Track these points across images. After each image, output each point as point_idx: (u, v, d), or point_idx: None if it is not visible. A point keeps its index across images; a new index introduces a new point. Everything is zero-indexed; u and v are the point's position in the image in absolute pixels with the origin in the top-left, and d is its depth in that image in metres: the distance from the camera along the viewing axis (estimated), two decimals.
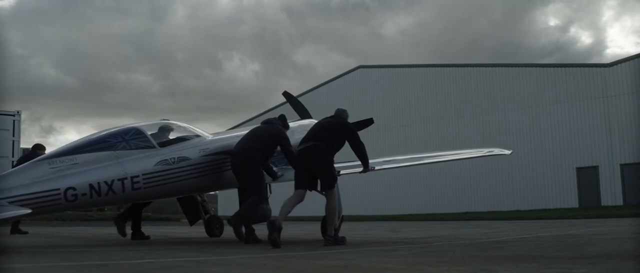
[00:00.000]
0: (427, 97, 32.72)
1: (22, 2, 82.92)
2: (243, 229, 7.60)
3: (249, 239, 7.44)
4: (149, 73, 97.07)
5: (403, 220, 22.47)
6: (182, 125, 8.33)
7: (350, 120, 7.56)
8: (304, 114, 10.66)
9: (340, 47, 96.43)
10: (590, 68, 27.51)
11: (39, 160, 6.96)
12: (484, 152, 10.98)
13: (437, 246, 6.87)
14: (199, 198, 9.71)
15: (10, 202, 6.19)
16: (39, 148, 11.63)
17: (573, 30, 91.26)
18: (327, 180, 6.90)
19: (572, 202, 26.52)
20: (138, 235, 9.22)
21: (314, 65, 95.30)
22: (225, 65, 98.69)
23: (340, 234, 7.12)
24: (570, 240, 7.62)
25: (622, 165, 25.68)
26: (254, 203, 7.26)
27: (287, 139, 7.80)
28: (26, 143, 21.41)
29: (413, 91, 33.35)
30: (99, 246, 7.74)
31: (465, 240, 8.07)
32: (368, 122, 9.54)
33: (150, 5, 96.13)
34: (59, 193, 6.56)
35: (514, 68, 30.17)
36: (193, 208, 9.77)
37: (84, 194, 6.73)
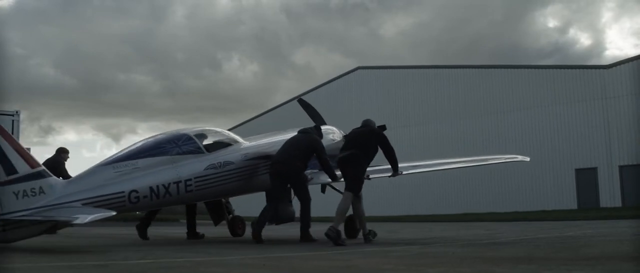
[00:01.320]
0: (426, 98, 32.72)
1: (21, 1, 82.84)
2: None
3: (304, 238, 8.11)
4: (148, 73, 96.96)
5: (402, 221, 22.48)
6: (221, 131, 8.84)
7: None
8: (318, 120, 11.07)
9: (340, 48, 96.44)
10: (589, 69, 27.52)
11: (104, 165, 7.30)
12: (505, 158, 11.59)
13: (436, 247, 6.88)
14: (223, 200, 10.00)
15: (83, 204, 6.54)
16: (63, 151, 11.76)
17: (572, 32, 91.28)
18: (354, 184, 7.62)
19: (571, 203, 26.51)
20: (145, 235, 9.54)
21: (313, 65, 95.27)
22: (224, 66, 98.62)
23: (343, 235, 7.60)
24: (569, 241, 7.63)
25: (621, 167, 25.68)
26: (307, 218, 8.08)
27: (322, 147, 8.44)
28: (25, 143, 21.41)
29: (412, 92, 33.35)
30: (98, 246, 7.74)
31: (464, 241, 8.07)
32: (381, 128, 9.83)
33: (150, 6, 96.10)
34: (124, 196, 6.94)
35: (513, 69, 30.20)
36: (218, 209, 10.23)
37: (144, 196, 7.14)
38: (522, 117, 28.74)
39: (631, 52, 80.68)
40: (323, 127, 10.10)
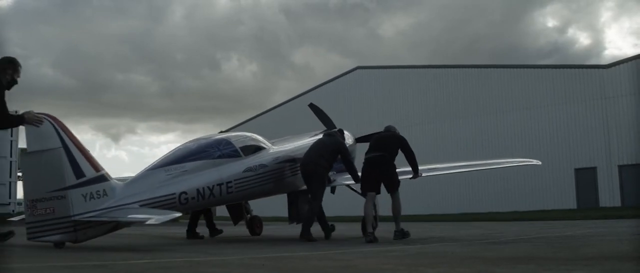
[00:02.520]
0: (425, 98, 32.73)
1: (20, 1, 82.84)
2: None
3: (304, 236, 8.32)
4: (147, 73, 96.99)
5: (402, 221, 22.40)
6: (254, 135, 9.29)
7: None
8: (329, 124, 11.43)
9: (339, 48, 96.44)
10: (589, 69, 27.53)
11: (156, 168, 7.67)
12: (517, 162, 12.40)
13: (436, 247, 6.88)
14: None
15: (140, 206, 6.92)
16: None
17: (571, 32, 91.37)
18: (393, 183, 8.26)
19: (570, 203, 26.53)
20: (195, 235, 10.03)
21: (312, 65, 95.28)
22: (223, 66, 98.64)
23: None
24: (568, 241, 7.63)
25: (620, 167, 25.69)
26: (312, 216, 8.51)
27: (347, 150, 9.05)
28: (24, 143, 21.38)
29: (411, 92, 33.35)
30: (96, 246, 7.74)
31: (464, 241, 8.08)
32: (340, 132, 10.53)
33: (149, 6, 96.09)
34: (175, 197, 7.34)
35: (512, 69, 30.20)
36: (237, 209, 10.66)
37: (193, 198, 7.55)
38: (521, 117, 28.75)
39: (630, 52, 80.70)
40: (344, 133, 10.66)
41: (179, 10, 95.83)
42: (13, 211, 20.56)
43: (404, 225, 8.51)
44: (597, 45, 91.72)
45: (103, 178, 6.74)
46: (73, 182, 6.41)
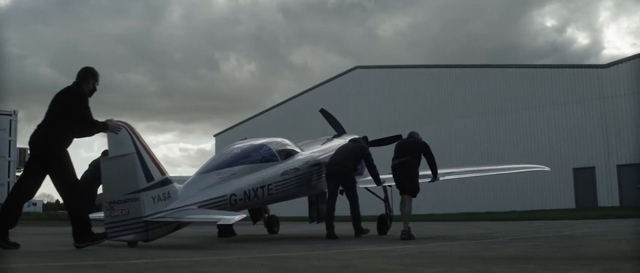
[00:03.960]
0: (424, 98, 32.74)
1: (18, 1, 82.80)
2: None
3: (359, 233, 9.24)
4: (145, 73, 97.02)
5: (401, 220, 22.39)
6: (286, 141, 9.80)
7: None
8: (339, 130, 12.31)
9: (337, 48, 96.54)
10: (587, 69, 27.56)
11: (209, 171, 8.17)
12: (528, 167, 13.33)
13: (435, 247, 6.88)
14: None
15: (198, 207, 7.39)
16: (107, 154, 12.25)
17: (570, 31, 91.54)
18: (412, 188, 8.72)
19: (569, 202, 26.55)
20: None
21: (310, 65, 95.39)
22: (221, 66, 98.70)
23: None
24: (567, 241, 7.63)
25: (618, 166, 25.72)
26: (358, 214, 9.30)
27: (370, 154, 9.71)
28: (22, 143, 21.30)
29: (410, 92, 33.36)
30: (95, 246, 7.72)
31: (462, 240, 8.08)
32: (396, 137, 11.20)
33: (147, 6, 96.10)
34: (226, 199, 7.85)
35: (510, 69, 30.22)
36: (257, 210, 10.95)
37: (240, 199, 8.08)
38: (520, 117, 28.77)
39: (629, 51, 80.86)
40: (351, 136, 11.40)
41: (177, 10, 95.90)
42: None
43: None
44: (596, 45, 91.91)
45: (167, 181, 7.18)
46: (144, 185, 6.85)
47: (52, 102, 6.60)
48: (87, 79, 6.82)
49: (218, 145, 41.84)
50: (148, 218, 6.80)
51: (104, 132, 6.74)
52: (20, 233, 11.82)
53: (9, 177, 20.34)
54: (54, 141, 6.41)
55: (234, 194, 7.95)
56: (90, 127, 6.67)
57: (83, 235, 6.44)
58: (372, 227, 9.90)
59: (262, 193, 8.47)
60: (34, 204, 56.36)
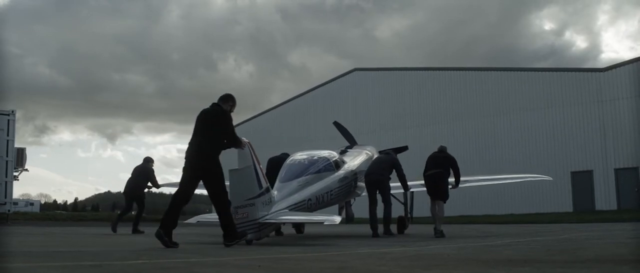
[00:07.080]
0: (422, 100, 32.74)
1: (16, 1, 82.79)
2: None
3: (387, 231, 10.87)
4: (143, 73, 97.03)
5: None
6: (333, 153, 11.09)
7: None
8: (351, 141, 13.68)
9: (335, 49, 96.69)
10: (585, 72, 27.59)
11: (291, 180, 9.42)
12: (533, 177, 16.14)
13: (432, 249, 6.88)
14: None
15: (289, 210, 8.65)
16: (148, 160, 13.59)
17: (568, 34, 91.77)
18: (444, 195, 10.78)
19: (567, 206, 26.56)
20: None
21: (308, 66, 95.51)
22: (220, 66, 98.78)
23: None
24: (565, 244, 7.63)
25: (616, 170, 25.75)
26: (390, 216, 10.97)
27: (400, 165, 11.27)
28: (21, 142, 21.29)
29: (408, 94, 33.36)
30: (92, 246, 7.72)
31: (460, 243, 8.08)
32: (404, 148, 13.47)
33: (145, 6, 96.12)
34: (305, 202, 9.25)
35: (508, 72, 30.25)
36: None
37: (314, 203, 9.51)
38: (518, 120, 28.78)
39: (627, 55, 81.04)
40: (368, 147, 13.31)
41: (175, 11, 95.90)
42: (9, 211, 20.39)
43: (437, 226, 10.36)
44: (594, 49, 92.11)
45: (269, 189, 8.35)
46: (257, 192, 8.05)
47: (204, 120, 7.59)
48: (228, 102, 7.86)
49: None
50: (261, 220, 7.98)
51: (237, 147, 7.86)
52: (19, 233, 11.81)
53: (6, 176, 20.23)
54: (212, 156, 7.37)
55: (309, 199, 9.33)
56: (234, 143, 7.79)
57: (232, 235, 7.38)
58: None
59: (328, 197, 9.96)
60: (31, 204, 56.29)
